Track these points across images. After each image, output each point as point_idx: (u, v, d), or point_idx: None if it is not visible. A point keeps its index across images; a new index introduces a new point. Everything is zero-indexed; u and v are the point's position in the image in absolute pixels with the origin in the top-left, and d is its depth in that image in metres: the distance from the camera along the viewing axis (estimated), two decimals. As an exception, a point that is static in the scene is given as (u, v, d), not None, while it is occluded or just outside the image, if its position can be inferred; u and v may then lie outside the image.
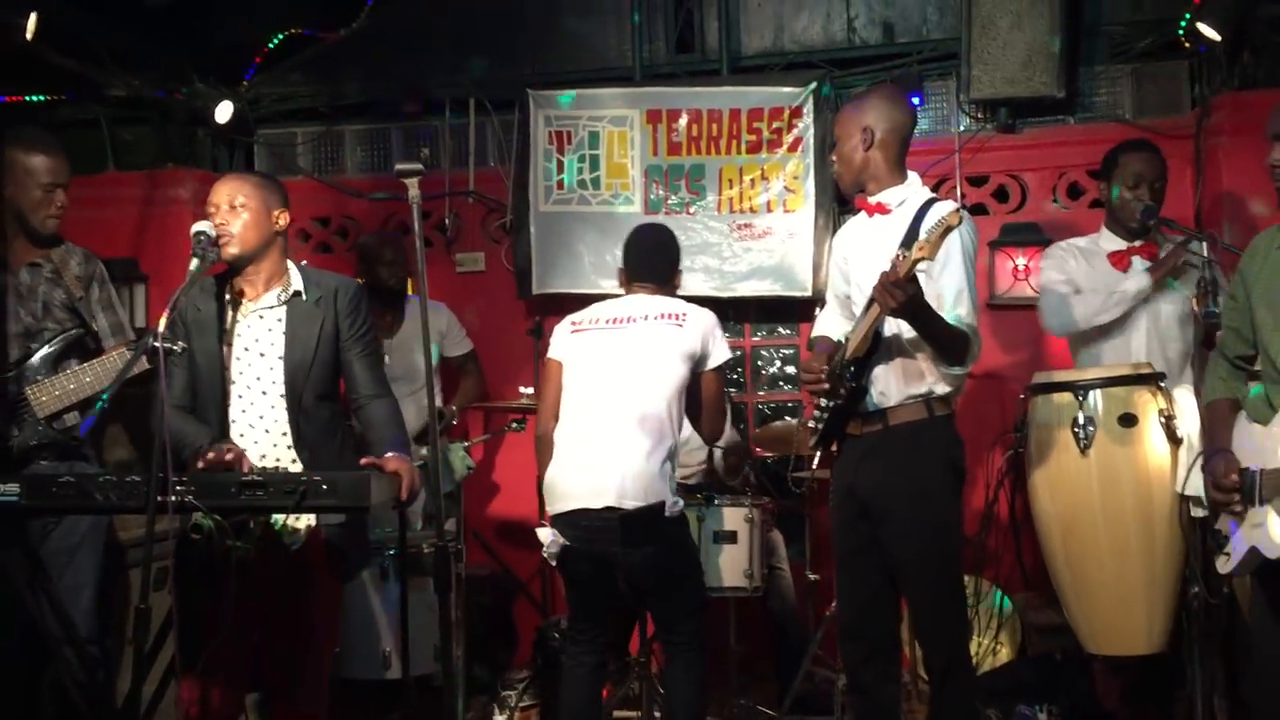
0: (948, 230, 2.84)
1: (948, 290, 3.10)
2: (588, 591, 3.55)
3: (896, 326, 3.15)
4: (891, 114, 3.28)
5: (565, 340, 3.63)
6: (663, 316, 3.55)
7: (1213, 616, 3.43)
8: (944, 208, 3.15)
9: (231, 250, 3.05)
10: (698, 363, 3.53)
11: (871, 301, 3.05)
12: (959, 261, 3.11)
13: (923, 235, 2.92)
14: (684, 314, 3.55)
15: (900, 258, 2.89)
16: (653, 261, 3.71)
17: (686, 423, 3.63)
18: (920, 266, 2.89)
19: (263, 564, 2.95)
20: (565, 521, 3.41)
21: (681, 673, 3.52)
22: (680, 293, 3.77)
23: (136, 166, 5.51)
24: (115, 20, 4.90)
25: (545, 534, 3.44)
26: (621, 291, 3.75)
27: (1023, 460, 3.89)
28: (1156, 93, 5.08)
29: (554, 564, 3.49)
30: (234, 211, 3.05)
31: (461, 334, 5.16)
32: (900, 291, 2.89)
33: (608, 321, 3.60)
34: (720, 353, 3.57)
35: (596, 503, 3.35)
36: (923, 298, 2.96)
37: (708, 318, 3.57)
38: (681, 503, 3.49)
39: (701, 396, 3.59)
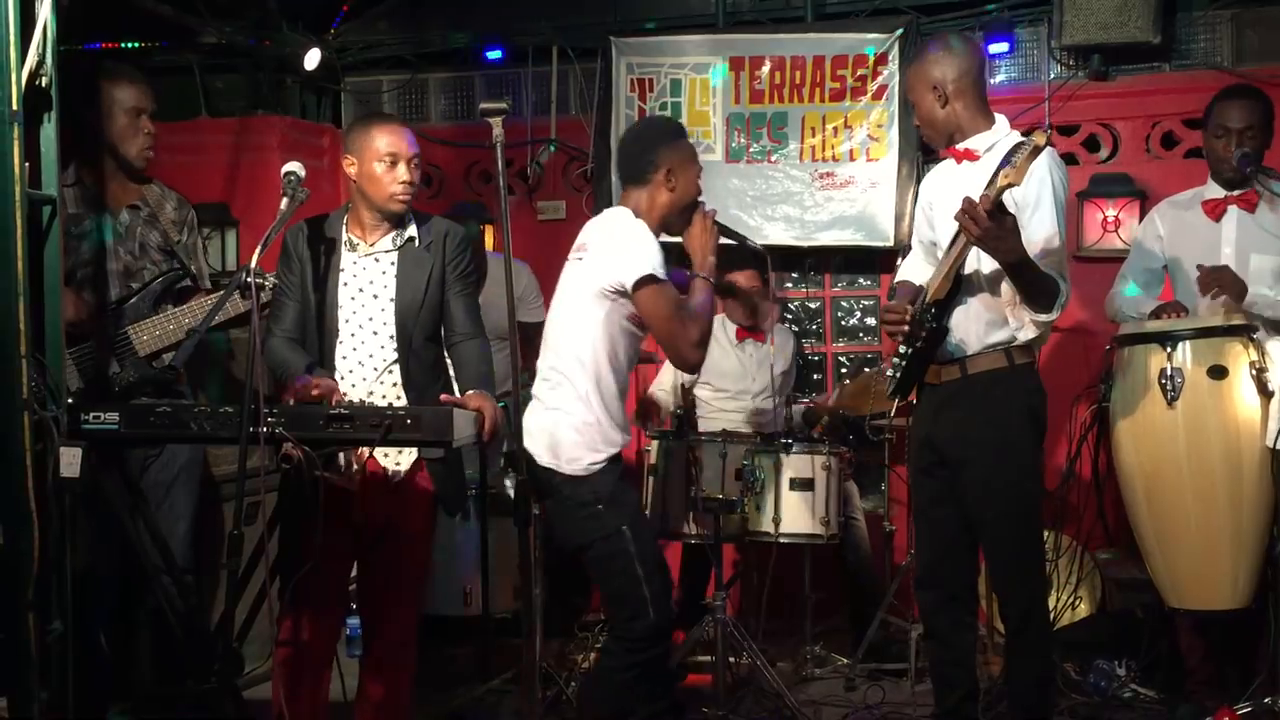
0: (1035, 151, 2.78)
1: (1037, 234, 3.02)
2: None
3: (978, 264, 3.10)
4: (956, 62, 3.17)
5: None
6: (575, 251, 3.28)
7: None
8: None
9: (405, 209, 3.11)
10: (618, 291, 3.11)
11: (955, 238, 3.00)
12: (1049, 205, 3.04)
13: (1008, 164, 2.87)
14: (586, 244, 3.23)
15: (987, 187, 2.84)
16: (619, 159, 3.44)
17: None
18: (1010, 200, 2.82)
19: (364, 497, 3.03)
20: None
21: (597, 666, 3.22)
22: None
23: (228, 113, 5.61)
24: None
25: None
26: None
27: (1107, 414, 3.83)
28: (1257, 39, 4.90)
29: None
30: (414, 171, 3.10)
31: (538, 302, 4.78)
32: (985, 218, 2.83)
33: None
34: (626, 269, 3.07)
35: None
36: (1011, 229, 2.88)
37: (608, 235, 3.17)
38: (588, 464, 3.10)
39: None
